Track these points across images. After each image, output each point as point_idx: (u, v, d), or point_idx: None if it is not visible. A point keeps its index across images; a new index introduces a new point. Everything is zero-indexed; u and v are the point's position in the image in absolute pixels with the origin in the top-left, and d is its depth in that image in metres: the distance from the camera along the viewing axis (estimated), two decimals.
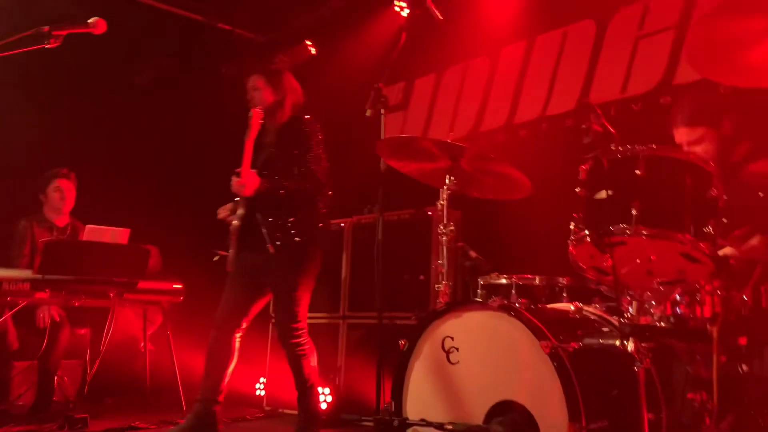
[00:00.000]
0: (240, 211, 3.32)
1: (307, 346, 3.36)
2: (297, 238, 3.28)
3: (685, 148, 2.67)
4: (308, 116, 3.44)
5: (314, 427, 3.36)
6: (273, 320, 4.64)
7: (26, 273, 3.74)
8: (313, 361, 3.38)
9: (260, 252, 3.27)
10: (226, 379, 3.35)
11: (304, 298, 3.34)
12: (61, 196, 4.41)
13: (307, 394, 3.37)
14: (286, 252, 3.26)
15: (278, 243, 3.24)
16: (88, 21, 2.57)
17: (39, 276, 3.70)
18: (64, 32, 2.50)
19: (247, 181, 3.19)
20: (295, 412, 4.27)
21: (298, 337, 3.32)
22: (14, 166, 4.99)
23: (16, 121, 5.00)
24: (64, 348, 4.08)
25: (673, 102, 3.56)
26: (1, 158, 4.94)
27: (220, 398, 3.34)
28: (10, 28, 2.43)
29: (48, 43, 2.48)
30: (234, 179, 3.23)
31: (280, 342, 3.36)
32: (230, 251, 3.38)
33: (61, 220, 4.46)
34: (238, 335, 3.36)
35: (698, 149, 2.64)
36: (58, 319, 4.03)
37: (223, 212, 3.44)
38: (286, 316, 3.30)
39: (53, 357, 4.03)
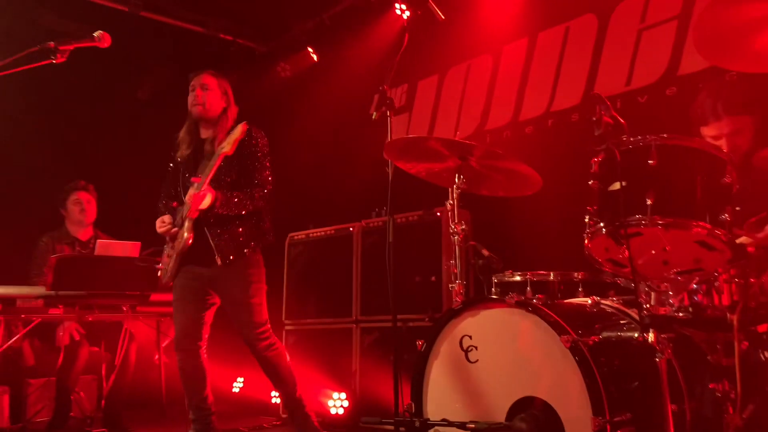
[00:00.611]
0: (187, 224, 3.23)
1: (276, 345, 3.34)
2: (245, 250, 3.27)
3: (725, 141, 2.65)
4: (252, 126, 3.35)
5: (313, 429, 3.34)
6: (286, 328, 4.66)
7: (39, 290, 3.75)
8: (286, 362, 3.36)
9: (207, 265, 3.25)
10: (209, 392, 3.35)
11: (261, 302, 3.32)
12: (80, 208, 4.42)
13: (294, 399, 3.34)
14: (235, 264, 3.24)
15: (227, 256, 3.21)
16: (94, 35, 2.59)
17: (52, 292, 3.71)
18: (70, 47, 2.52)
19: (203, 195, 3.13)
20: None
21: (266, 338, 3.30)
22: (25, 184, 5.02)
23: (24, 138, 5.04)
24: (83, 365, 4.09)
25: (679, 92, 3.56)
26: (15, 176, 4.98)
27: (213, 409, 3.35)
28: (15, 48, 2.44)
29: (54, 59, 2.50)
30: (193, 192, 3.16)
31: (250, 349, 3.33)
32: (170, 264, 3.33)
33: (84, 233, 4.46)
34: (202, 349, 3.34)
35: (739, 139, 2.63)
36: (78, 338, 4.04)
37: (163, 226, 3.34)
38: (248, 324, 3.27)
39: (72, 374, 4.03)
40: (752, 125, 2.65)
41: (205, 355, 3.35)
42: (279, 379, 3.35)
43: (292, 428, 3.37)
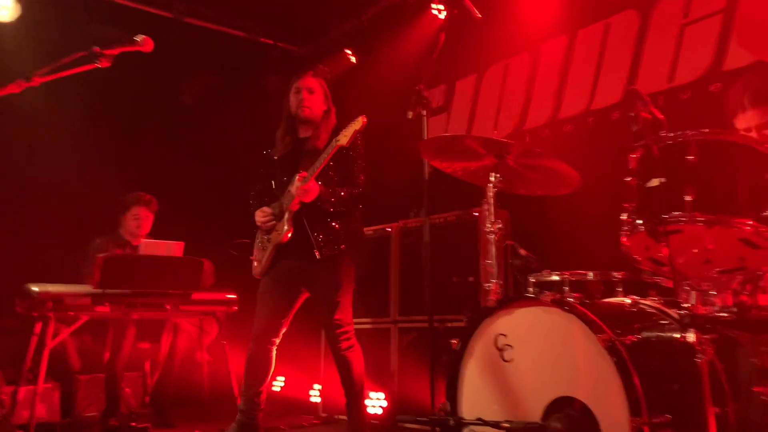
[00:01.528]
0: (287, 216, 3.28)
1: (355, 346, 3.37)
2: (342, 246, 3.30)
3: (755, 134, 2.58)
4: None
5: None
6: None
7: (86, 288, 3.87)
8: (361, 364, 3.39)
9: (302, 259, 3.28)
10: (266, 388, 3.38)
11: (349, 303, 3.36)
12: (137, 224, 4.53)
13: (356, 400, 3.38)
14: (331, 260, 3.27)
15: (325, 250, 3.25)
16: (136, 39, 2.66)
17: (99, 290, 3.82)
18: (115, 51, 2.60)
19: (312, 186, 3.18)
20: None
21: (347, 339, 3.33)
22: (76, 187, 5.20)
23: (72, 142, 5.22)
24: (128, 356, 4.22)
25: (724, 88, 3.46)
26: (66, 179, 5.17)
27: (262, 405, 3.37)
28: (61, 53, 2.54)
29: (99, 63, 2.58)
30: (299, 183, 3.20)
31: (330, 347, 3.37)
32: (264, 256, 3.38)
33: (137, 241, 4.59)
34: (275, 346, 3.37)
35: None
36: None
37: (265, 216, 3.38)
38: (333, 323, 3.30)
39: (118, 365, 4.18)
40: None
41: (274, 354, 3.37)
42: (351, 380, 3.35)
43: (349, 427, 3.39)
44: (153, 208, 4.61)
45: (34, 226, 5.08)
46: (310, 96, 3.41)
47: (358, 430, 3.37)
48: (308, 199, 3.19)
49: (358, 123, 3.16)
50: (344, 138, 3.16)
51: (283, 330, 3.40)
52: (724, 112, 2.72)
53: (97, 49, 2.58)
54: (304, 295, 3.44)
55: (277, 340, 3.38)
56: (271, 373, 3.38)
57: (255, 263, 3.48)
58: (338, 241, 3.30)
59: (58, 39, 4.76)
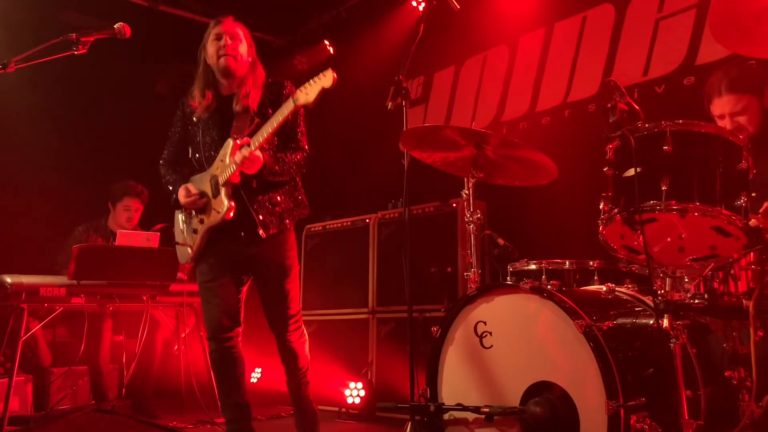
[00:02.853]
0: (225, 190, 2.79)
1: (303, 332, 3.01)
2: (287, 221, 2.89)
3: (728, 120, 2.64)
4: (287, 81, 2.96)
5: (319, 424, 3.08)
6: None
7: (61, 279, 3.82)
8: (307, 348, 3.04)
9: (244, 240, 2.83)
10: (246, 389, 2.96)
11: (296, 285, 2.97)
12: (128, 216, 4.43)
13: (306, 388, 3.04)
14: (275, 238, 2.86)
15: (270, 228, 2.82)
16: (114, 26, 2.64)
17: (74, 282, 3.77)
18: (91, 38, 2.57)
19: (256, 156, 2.70)
20: (329, 408, 4.35)
21: (297, 329, 2.96)
22: (48, 177, 5.11)
23: (43, 130, 5.13)
24: (108, 346, 4.18)
25: (698, 82, 3.53)
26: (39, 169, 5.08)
27: (250, 413, 2.95)
28: (39, 44, 2.50)
29: (76, 50, 2.55)
30: (244, 152, 2.69)
31: (276, 334, 2.95)
32: (196, 240, 2.91)
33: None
34: (238, 341, 2.94)
35: (742, 119, 2.62)
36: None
37: (190, 196, 2.86)
38: (283, 308, 2.90)
39: (101, 357, 4.18)
40: (759, 108, 2.63)
41: (240, 345, 2.94)
42: (299, 368, 3.01)
43: (296, 414, 3.08)
44: (144, 200, 4.52)
45: (9, 217, 4.98)
46: (234, 42, 2.87)
47: (309, 419, 3.06)
48: (252, 170, 2.72)
49: (328, 78, 2.63)
50: (305, 95, 2.63)
51: (240, 317, 2.94)
52: (702, 99, 2.78)
53: (73, 36, 2.55)
54: (248, 279, 2.99)
55: (239, 333, 2.94)
56: (245, 370, 2.96)
57: (188, 249, 2.96)
58: (282, 215, 2.87)
59: (30, 25, 4.67)
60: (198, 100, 2.93)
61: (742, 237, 2.03)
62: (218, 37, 2.90)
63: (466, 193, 2.77)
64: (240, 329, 2.95)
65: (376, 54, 5.20)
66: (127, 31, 2.66)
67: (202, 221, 2.90)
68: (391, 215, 4.41)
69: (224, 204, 2.79)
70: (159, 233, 4.17)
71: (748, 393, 2.09)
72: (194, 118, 2.97)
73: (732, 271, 2.19)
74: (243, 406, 2.92)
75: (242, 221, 2.81)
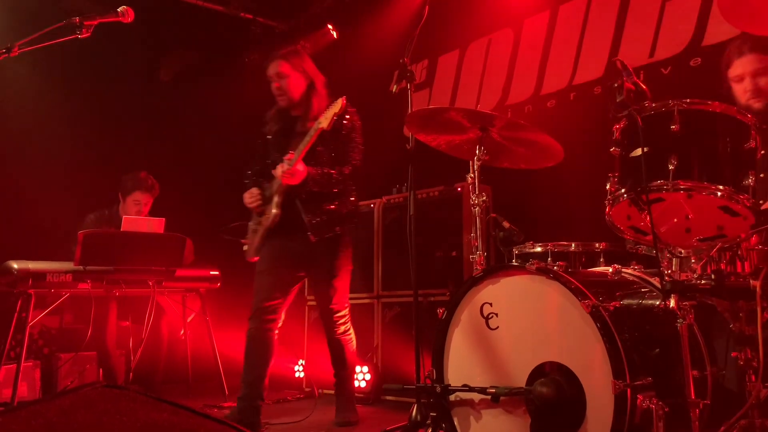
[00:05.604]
0: (276, 199, 3.26)
1: (350, 331, 3.39)
2: (337, 228, 3.28)
3: (747, 81, 2.60)
4: (349, 106, 3.32)
5: (354, 409, 3.43)
6: (309, 304, 4.72)
7: (67, 265, 3.83)
8: (353, 347, 3.43)
9: (297, 241, 3.24)
10: (268, 372, 3.30)
11: (346, 287, 3.36)
12: (138, 210, 4.42)
13: (347, 379, 3.43)
14: (326, 243, 3.25)
15: (319, 233, 3.21)
16: (117, 10, 2.63)
17: (80, 267, 3.79)
18: (95, 22, 2.56)
19: (298, 170, 3.12)
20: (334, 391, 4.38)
21: (343, 325, 3.35)
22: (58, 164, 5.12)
23: (49, 117, 5.13)
24: (115, 331, 4.20)
25: (704, 63, 3.51)
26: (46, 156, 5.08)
27: (265, 393, 3.29)
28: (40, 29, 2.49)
29: (80, 34, 2.54)
30: (283, 167, 3.14)
31: (325, 331, 3.38)
32: (255, 239, 3.35)
33: None
34: (276, 329, 3.30)
35: (762, 81, 2.58)
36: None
37: (253, 200, 3.35)
38: (329, 304, 3.30)
39: (108, 342, 4.17)
40: None
41: (275, 337, 3.29)
42: (344, 362, 3.39)
43: (338, 404, 3.45)
44: (155, 193, 4.50)
45: (16, 203, 4.99)
46: (282, 82, 3.30)
47: (348, 406, 3.41)
48: (294, 182, 3.14)
49: (337, 105, 3.12)
50: (325, 121, 3.12)
51: (283, 310, 3.33)
52: (721, 70, 2.73)
53: (77, 19, 2.54)
54: (303, 277, 3.43)
55: (278, 322, 3.30)
56: (271, 357, 3.29)
57: (245, 246, 3.44)
58: (333, 223, 3.27)
59: (32, 9, 4.66)
60: (270, 120, 3.46)
61: (750, 216, 2.02)
62: (270, 81, 3.36)
63: (471, 177, 2.75)
64: (277, 318, 3.28)
65: (379, 38, 5.17)
66: (131, 15, 2.65)
67: (260, 223, 3.35)
68: (396, 200, 4.40)
69: (272, 210, 3.26)
70: (164, 219, 4.17)
71: (755, 373, 2.08)
72: (268, 135, 3.47)
73: (739, 252, 2.19)
74: (258, 387, 3.23)
75: (296, 226, 3.22)
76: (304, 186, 3.17)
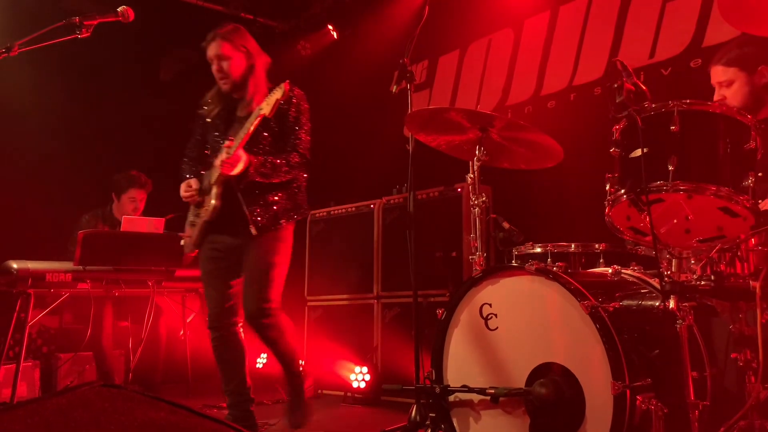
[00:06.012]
0: (215, 190, 2.97)
1: (280, 325, 3.05)
2: (281, 221, 3.02)
3: (717, 90, 2.63)
4: (293, 86, 3.03)
5: (304, 408, 3.16)
6: (309, 304, 4.72)
7: (67, 264, 3.83)
8: (290, 338, 3.11)
9: (237, 235, 3.01)
10: (248, 373, 3.10)
11: (276, 279, 3.03)
12: (134, 207, 4.42)
13: (290, 376, 3.14)
14: (269, 236, 2.99)
15: (261, 226, 2.96)
16: (117, 10, 2.63)
17: (79, 267, 3.79)
18: (95, 22, 2.56)
19: (237, 159, 2.85)
20: (334, 392, 4.38)
21: (270, 316, 3.00)
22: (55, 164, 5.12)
23: (47, 118, 5.13)
24: (111, 331, 4.19)
25: (704, 64, 3.50)
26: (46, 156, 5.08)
27: (252, 395, 3.10)
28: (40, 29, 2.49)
29: (80, 34, 2.54)
30: (223, 157, 2.88)
31: (248, 322, 3.02)
32: (195, 232, 3.09)
33: None
34: (239, 326, 3.09)
35: (728, 92, 2.60)
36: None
37: (189, 191, 3.06)
38: (257, 297, 2.97)
39: (104, 342, 4.16)
40: (747, 84, 2.60)
41: (242, 334, 3.09)
42: (279, 358, 3.11)
43: (287, 402, 3.19)
44: (148, 189, 4.52)
45: (15, 203, 4.99)
46: (223, 64, 3.04)
47: (295, 408, 3.14)
48: (234, 172, 2.86)
49: (279, 92, 2.84)
50: (267, 107, 2.85)
51: (240, 304, 3.06)
52: (709, 80, 2.76)
53: (77, 19, 2.54)
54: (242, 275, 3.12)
55: (240, 320, 3.08)
56: (245, 358, 3.10)
57: (182, 240, 3.20)
58: (277, 214, 3.01)
59: (32, 9, 4.66)
60: (210, 101, 3.20)
61: (750, 217, 2.01)
62: (210, 64, 3.10)
63: (471, 177, 2.75)
64: (237, 319, 3.08)
65: (379, 39, 5.17)
66: (131, 14, 2.65)
67: (198, 215, 3.09)
68: (396, 200, 4.40)
69: (211, 202, 2.99)
70: (164, 219, 4.17)
71: (754, 374, 2.08)
72: (207, 118, 3.19)
73: (739, 253, 2.18)
74: (243, 392, 3.05)
75: (237, 218, 2.97)
76: (246, 176, 2.90)
